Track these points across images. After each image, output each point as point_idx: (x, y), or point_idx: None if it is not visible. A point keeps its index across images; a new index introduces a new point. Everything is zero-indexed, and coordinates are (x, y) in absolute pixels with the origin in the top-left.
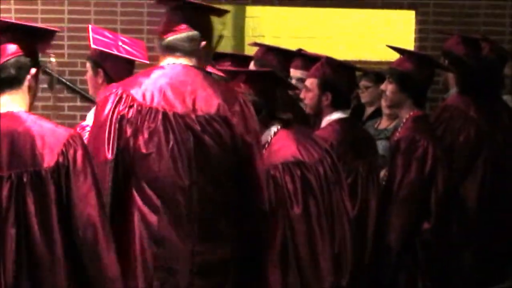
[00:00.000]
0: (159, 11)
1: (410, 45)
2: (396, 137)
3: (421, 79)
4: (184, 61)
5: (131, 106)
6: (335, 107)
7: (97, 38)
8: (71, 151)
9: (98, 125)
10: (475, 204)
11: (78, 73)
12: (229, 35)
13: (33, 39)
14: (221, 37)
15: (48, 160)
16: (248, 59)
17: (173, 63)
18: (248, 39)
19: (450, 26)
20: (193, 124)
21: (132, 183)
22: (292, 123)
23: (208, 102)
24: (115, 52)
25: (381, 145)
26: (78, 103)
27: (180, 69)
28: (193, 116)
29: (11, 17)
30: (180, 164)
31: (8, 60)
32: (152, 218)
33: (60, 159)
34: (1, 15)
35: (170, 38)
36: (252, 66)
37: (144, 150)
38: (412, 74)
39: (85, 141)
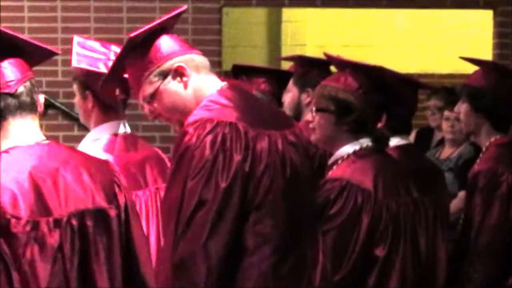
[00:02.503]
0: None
1: (487, 53)
2: (474, 170)
3: (501, 96)
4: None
5: (237, 134)
6: (391, 131)
7: (81, 54)
8: (123, 183)
9: (204, 163)
10: None
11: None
12: (263, 44)
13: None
14: None
15: (107, 196)
16: (287, 74)
17: (234, 85)
18: (285, 49)
19: None
20: (295, 141)
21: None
22: (385, 141)
23: (285, 118)
24: (100, 70)
25: None
26: (76, 132)
27: (245, 90)
28: (288, 133)
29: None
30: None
31: (27, 80)
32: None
33: (118, 194)
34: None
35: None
36: (291, 84)
37: (258, 175)
38: (487, 90)
39: None
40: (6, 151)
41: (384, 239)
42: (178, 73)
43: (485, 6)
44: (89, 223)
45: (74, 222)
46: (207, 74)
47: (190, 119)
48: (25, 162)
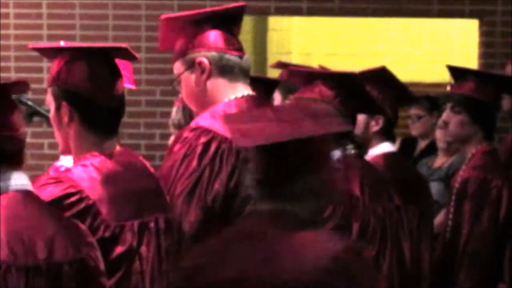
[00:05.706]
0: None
1: (473, 63)
2: (461, 178)
3: (493, 105)
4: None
5: (229, 151)
6: (385, 135)
7: None
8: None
9: (190, 173)
10: None
11: None
12: (249, 52)
13: None
14: None
15: (166, 204)
16: (273, 82)
17: (248, 94)
18: (271, 57)
19: None
20: None
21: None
22: (364, 149)
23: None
24: None
25: (434, 188)
26: None
27: (263, 104)
28: None
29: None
30: None
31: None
32: None
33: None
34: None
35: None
36: (276, 93)
37: (242, 196)
38: (488, 102)
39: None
40: (94, 155)
41: (373, 243)
42: (199, 67)
43: (471, 16)
44: (161, 226)
45: (152, 225)
46: (231, 80)
47: (193, 123)
48: (111, 167)
